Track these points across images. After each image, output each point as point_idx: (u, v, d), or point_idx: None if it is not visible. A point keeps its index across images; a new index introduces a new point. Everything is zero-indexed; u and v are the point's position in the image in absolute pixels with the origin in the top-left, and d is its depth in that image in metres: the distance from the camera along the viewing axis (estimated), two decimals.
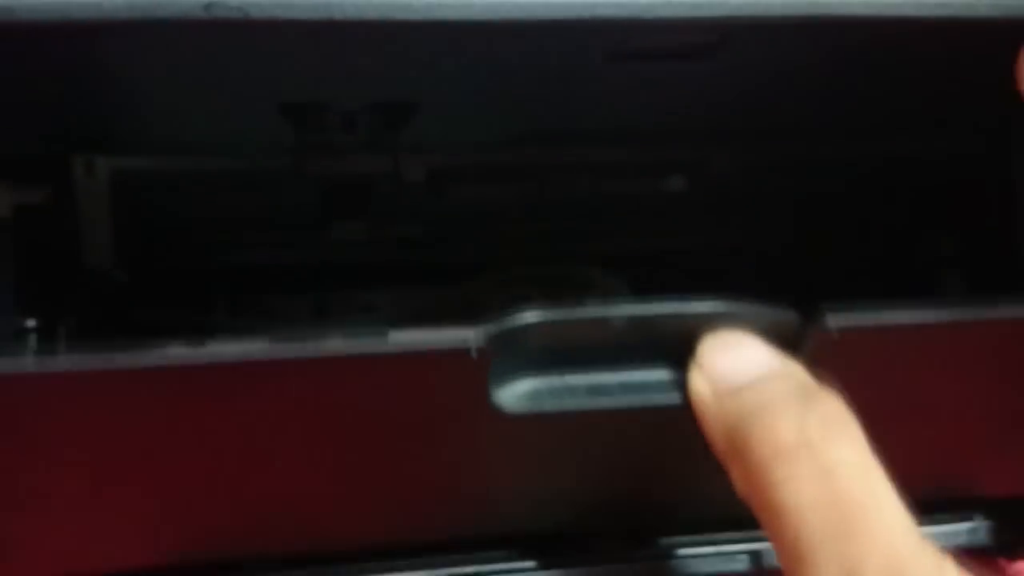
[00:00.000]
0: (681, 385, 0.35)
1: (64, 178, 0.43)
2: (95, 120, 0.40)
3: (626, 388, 0.36)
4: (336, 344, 0.33)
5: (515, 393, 0.35)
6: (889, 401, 0.37)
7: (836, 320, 0.36)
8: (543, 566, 0.42)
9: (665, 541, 0.43)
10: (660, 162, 0.49)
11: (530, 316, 0.34)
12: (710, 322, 0.35)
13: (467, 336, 0.33)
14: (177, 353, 0.32)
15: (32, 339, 0.43)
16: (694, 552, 0.42)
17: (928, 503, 0.36)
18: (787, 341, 0.35)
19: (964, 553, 0.46)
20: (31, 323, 0.43)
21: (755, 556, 0.42)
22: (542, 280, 0.68)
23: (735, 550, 0.42)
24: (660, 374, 0.36)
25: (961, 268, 0.66)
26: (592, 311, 0.35)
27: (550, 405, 0.35)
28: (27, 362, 0.32)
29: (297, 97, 0.38)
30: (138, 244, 0.47)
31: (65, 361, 0.32)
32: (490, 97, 0.40)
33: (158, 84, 0.37)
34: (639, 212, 0.55)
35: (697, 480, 0.36)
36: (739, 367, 0.34)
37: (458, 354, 0.33)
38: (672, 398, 0.36)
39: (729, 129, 0.46)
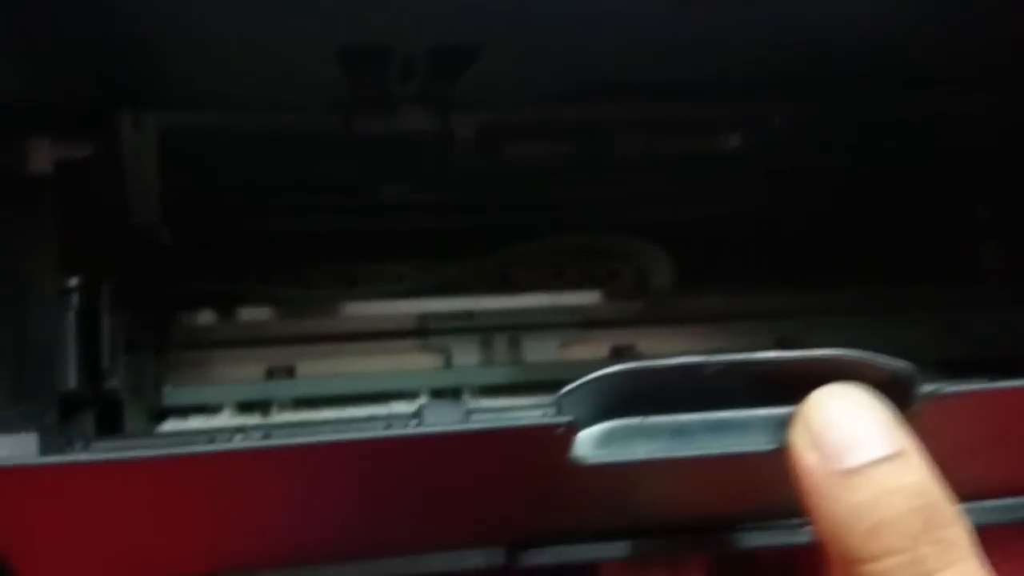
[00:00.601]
0: (775, 427, 0.34)
1: (110, 133, 0.42)
2: (143, 72, 0.39)
3: (712, 428, 0.35)
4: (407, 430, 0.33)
5: (594, 441, 0.34)
6: (981, 441, 0.37)
7: (953, 386, 0.35)
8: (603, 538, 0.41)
9: None
10: (718, 118, 0.48)
11: (614, 369, 0.34)
12: (818, 368, 0.34)
13: (557, 420, 0.33)
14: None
15: (75, 299, 0.42)
16: (761, 525, 0.41)
17: None
18: (893, 393, 0.33)
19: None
20: (73, 282, 0.42)
21: None
22: (577, 250, 0.67)
23: (799, 523, 0.40)
24: (752, 414, 0.35)
25: (998, 237, 0.66)
26: (683, 361, 0.34)
27: (630, 453, 0.34)
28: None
29: (357, 40, 0.37)
30: (182, 204, 0.45)
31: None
32: (553, 44, 0.39)
33: (211, 33, 0.36)
34: (695, 172, 0.53)
35: (775, 494, 0.35)
36: (853, 442, 0.31)
37: (543, 429, 0.33)
38: (762, 443, 0.34)
39: (790, 82, 0.45)
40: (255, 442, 0.33)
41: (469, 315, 0.63)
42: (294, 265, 0.63)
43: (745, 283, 0.66)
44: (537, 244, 0.64)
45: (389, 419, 0.38)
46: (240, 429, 0.38)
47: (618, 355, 0.64)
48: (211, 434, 0.40)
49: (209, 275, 0.59)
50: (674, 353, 0.62)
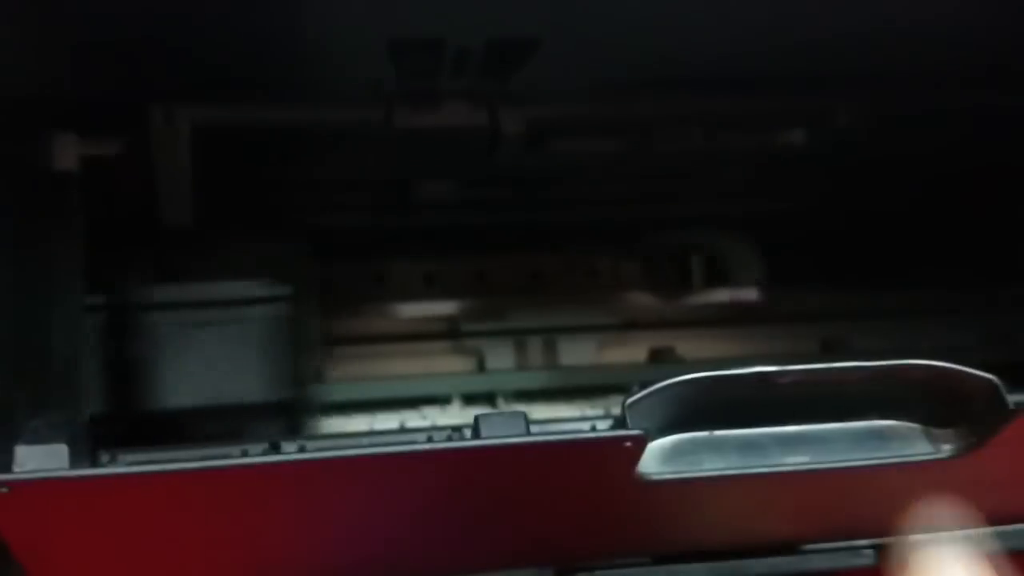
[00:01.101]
0: (854, 441, 0.33)
1: (140, 129, 0.39)
2: (177, 63, 0.36)
3: (786, 442, 0.33)
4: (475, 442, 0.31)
5: (660, 456, 0.32)
6: None
7: None
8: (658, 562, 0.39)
9: None
10: (779, 113, 0.45)
11: (683, 379, 0.32)
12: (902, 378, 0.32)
13: (626, 432, 0.31)
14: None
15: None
16: (822, 547, 0.39)
17: None
18: (981, 407, 0.32)
19: None
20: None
21: (880, 551, 0.39)
22: (617, 247, 0.64)
23: (861, 545, 0.39)
24: (829, 427, 0.33)
25: None
26: (755, 372, 0.32)
27: (698, 469, 0.32)
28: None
29: (410, 32, 0.34)
30: (215, 203, 0.43)
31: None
32: (613, 36, 0.36)
33: (256, 24, 0.34)
34: (754, 170, 0.51)
35: (842, 512, 0.34)
36: None
37: (611, 442, 0.30)
38: (841, 458, 0.33)
39: (856, 77, 0.42)
40: (291, 456, 0.31)
41: (502, 315, 0.61)
42: (325, 261, 0.61)
43: (788, 284, 0.64)
44: (575, 243, 0.62)
45: (430, 431, 0.36)
46: (273, 444, 0.36)
47: (657, 357, 0.61)
48: (244, 446, 0.38)
49: (234, 275, 0.57)
50: (715, 355, 0.62)
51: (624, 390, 0.60)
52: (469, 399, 0.58)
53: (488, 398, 0.58)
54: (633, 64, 0.39)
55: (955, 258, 0.64)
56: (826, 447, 0.33)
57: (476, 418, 0.30)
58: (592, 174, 0.51)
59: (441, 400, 0.57)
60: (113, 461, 0.37)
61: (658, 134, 0.45)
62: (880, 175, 0.58)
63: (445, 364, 0.60)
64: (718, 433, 0.33)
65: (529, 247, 0.62)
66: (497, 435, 0.29)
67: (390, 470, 0.30)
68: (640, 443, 0.30)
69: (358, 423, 0.54)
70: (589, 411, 0.55)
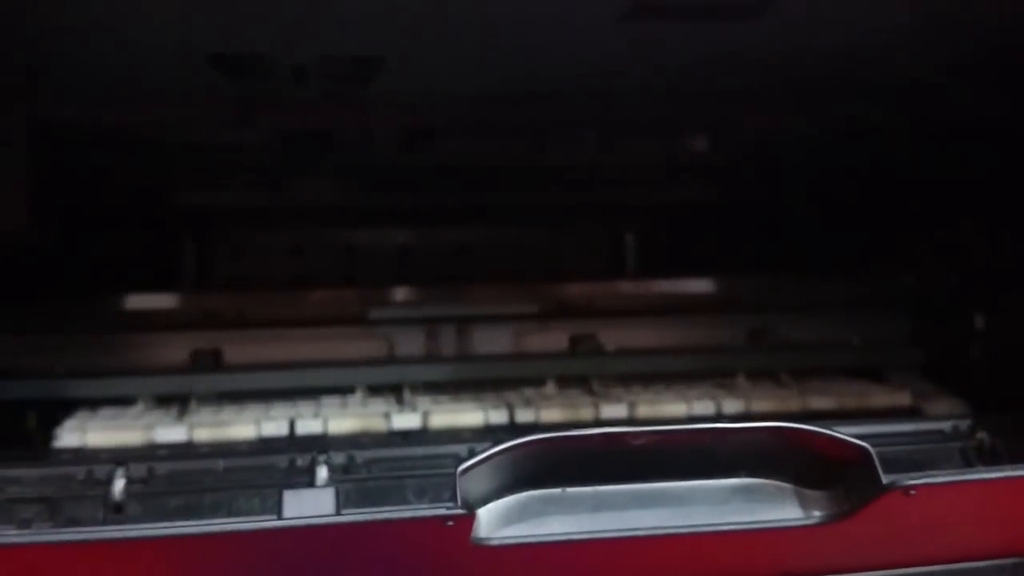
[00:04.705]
0: (717, 500, 0.31)
1: None
2: (13, 63, 0.33)
3: (643, 501, 0.30)
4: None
5: (502, 517, 0.30)
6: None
7: (918, 478, 0.31)
8: None
9: None
10: (678, 121, 0.42)
11: (519, 441, 0.30)
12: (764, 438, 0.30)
13: (446, 512, 0.28)
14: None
15: None
16: None
17: None
18: (851, 474, 0.30)
19: None
20: None
21: None
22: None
23: None
24: (689, 485, 0.31)
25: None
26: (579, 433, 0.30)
27: (544, 531, 0.30)
28: None
29: (231, 47, 0.31)
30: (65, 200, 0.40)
31: None
32: (473, 54, 0.33)
33: (80, 24, 0.30)
34: (653, 178, 0.48)
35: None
36: None
37: (431, 521, 0.28)
38: (701, 517, 0.31)
39: (757, 91, 0.39)
40: (82, 533, 0.28)
41: (415, 303, 0.59)
42: (233, 235, 0.58)
43: (717, 273, 0.61)
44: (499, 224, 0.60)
45: (293, 457, 0.34)
46: (120, 461, 0.34)
47: (576, 345, 0.59)
48: (90, 466, 0.36)
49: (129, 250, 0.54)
50: (637, 343, 0.59)
51: (540, 383, 0.59)
52: (375, 390, 0.55)
53: (395, 389, 0.55)
54: (508, 81, 0.36)
55: (885, 252, 0.62)
56: (686, 506, 0.31)
57: (280, 491, 0.27)
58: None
59: (345, 390, 0.55)
60: None
61: (550, 140, 0.42)
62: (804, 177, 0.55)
63: (353, 350, 0.57)
64: (571, 490, 0.31)
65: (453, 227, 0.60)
66: (299, 515, 0.27)
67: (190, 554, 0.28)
68: (466, 520, 0.28)
69: (248, 416, 0.51)
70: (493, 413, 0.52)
